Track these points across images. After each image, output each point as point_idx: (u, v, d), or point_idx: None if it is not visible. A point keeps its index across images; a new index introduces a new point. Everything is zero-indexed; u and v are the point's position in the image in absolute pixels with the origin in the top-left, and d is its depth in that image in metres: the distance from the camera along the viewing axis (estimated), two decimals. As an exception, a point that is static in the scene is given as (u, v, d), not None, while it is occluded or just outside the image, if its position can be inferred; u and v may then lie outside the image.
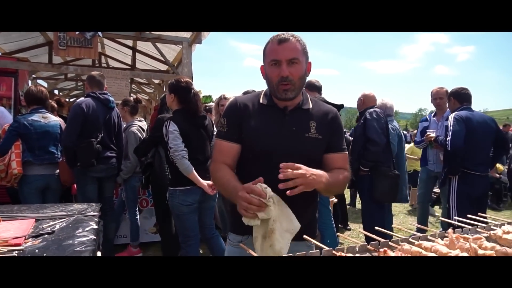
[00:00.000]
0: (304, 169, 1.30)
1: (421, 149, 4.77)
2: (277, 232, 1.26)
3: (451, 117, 3.48)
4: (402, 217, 5.97)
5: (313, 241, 1.20)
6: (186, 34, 6.37)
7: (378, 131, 3.61)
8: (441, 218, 2.48)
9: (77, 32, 5.48)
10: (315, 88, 3.64)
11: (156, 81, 9.42)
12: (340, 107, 3.79)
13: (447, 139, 3.42)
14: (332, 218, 3.52)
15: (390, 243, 1.23)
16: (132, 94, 12.98)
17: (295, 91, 1.51)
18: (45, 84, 10.62)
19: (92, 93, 3.63)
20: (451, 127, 3.39)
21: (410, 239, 1.25)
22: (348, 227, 5.07)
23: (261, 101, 1.58)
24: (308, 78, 3.61)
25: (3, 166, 3.52)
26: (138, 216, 4.18)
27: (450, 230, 1.25)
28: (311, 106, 1.59)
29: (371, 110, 3.79)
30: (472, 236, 1.26)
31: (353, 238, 1.64)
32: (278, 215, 1.31)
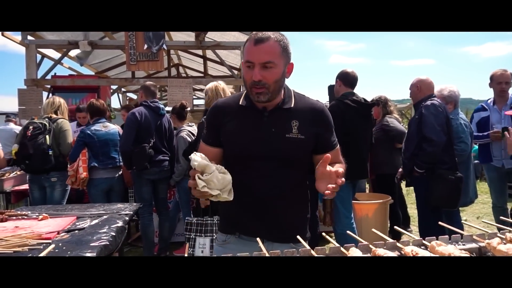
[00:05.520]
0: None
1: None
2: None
3: None
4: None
5: (304, 242, 1.16)
6: (245, 39, 6.50)
7: (437, 128, 3.11)
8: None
9: (145, 47, 6.02)
10: (348, 83, 3.33)
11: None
12: (371, 105, 3.45)
13: None
14: (353, 221, 3.23)
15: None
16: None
17: (269, 95, 1.41)
18: (135, 97, 11.87)
19: (144, 102, 3.95)
20: None
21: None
22: (409, 229, 4.60)
23: (240, 103, 1.52)
24: (344, 68, 3.43)
25: (73, 172, 4.04)
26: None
27: None
28: (292, 105, 1.48)
29: (428, 102, 3.25)
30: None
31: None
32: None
